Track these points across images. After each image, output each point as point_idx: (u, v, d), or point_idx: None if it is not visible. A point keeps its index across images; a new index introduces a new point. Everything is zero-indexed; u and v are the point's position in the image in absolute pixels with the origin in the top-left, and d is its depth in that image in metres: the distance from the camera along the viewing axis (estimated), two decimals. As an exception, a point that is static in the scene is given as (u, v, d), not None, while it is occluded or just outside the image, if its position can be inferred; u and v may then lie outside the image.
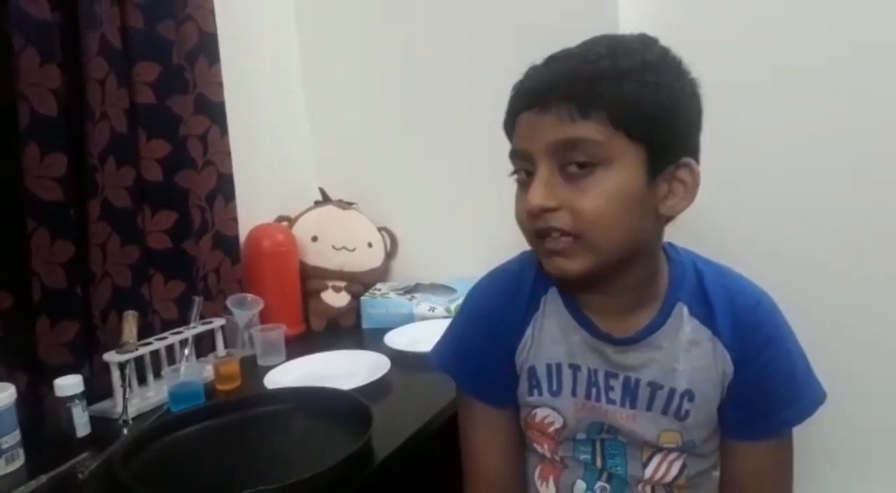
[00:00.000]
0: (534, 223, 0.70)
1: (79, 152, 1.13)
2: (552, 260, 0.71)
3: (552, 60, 0.72)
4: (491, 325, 0.83)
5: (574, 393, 0.80)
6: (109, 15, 1.18)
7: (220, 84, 1.42)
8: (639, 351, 0.77)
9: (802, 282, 1.21)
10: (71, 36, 1.12)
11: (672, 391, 0.76)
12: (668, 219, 0.74)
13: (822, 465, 1.22)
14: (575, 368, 0.80)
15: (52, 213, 1.07)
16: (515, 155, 0.73)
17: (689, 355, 0.75)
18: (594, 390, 0.79)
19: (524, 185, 0.72)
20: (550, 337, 0.81)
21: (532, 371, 0.82)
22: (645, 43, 0.71)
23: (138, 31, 1.23)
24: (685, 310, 0.76)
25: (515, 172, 0.74)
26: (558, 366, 0.80)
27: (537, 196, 0.68)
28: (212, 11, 1.39)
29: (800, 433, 0.79)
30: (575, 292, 0.79)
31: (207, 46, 1.38)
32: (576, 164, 0.68)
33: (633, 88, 0.66)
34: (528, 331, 0.82)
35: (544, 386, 0.81)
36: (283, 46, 1.73)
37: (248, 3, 1.59)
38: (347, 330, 1.59)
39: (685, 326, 0.76)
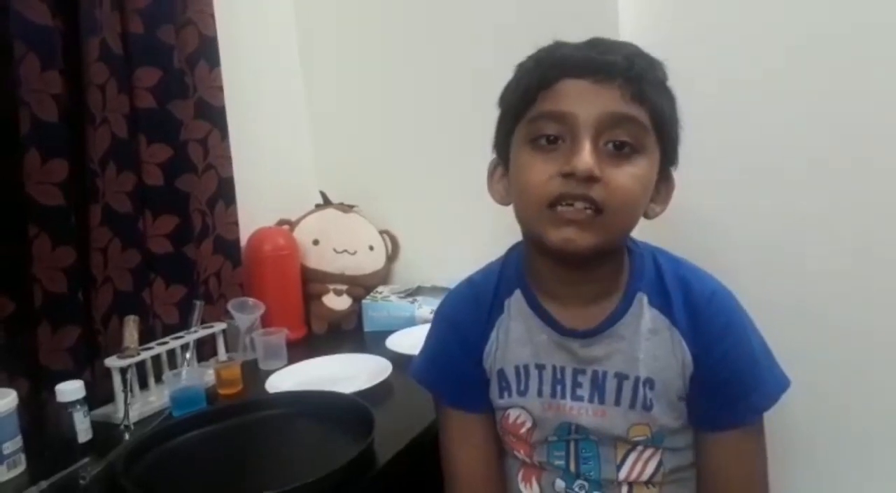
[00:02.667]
0: (566, 186, 0.69)
1: (80, 158, 1.13)
2: (564, 230, 0.70)
3: (597, 43, 0.73)
4: (458, 333, 0.86)
5: (540, 393, 0.81)
6: (110, 20, 1.18)
7: (221, 88, 1.42)
8: (603, 343, 0.78)
9: (794, 281, 1.21)
10: (71, 42, 1.12)
11: (636, 380, 0.77)
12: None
13: (803, 463, 1.22)
14: (540, 367, 0.81)
15: (53, 218, 1.07)
16: (552, 117, 0.71)
17: (649, 344, 0.77)
18: (559, 388, 0.80)
19: (545, 150, 0.71)
20: (516, 339, 0.82)
21: (501, 374, 0.83)
22: (663, 65, 0.75)
23: (139, 36, 1.24)
24: (645, 299, 0.78)
25: (538, 137, 0.72)
26: (525, 367, 0.82)
27: (591, 161, 0.68)
28: (212, 16, 1.39)
29: (780, 427, 0.79)
30: (556, 276, 0.79)
31: (208, 51, 1.39)
32: (618, 143, 0.70)
33: (667, 101, 0.73)
34: (493, 334, 0.84)
35: (513, 387, 0.83)
36: (283, 50, 1.73)
37: (249, 7, 1.59)
38: (349, 333, 1.59)
39: (645, 314, 0.78)
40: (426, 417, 1.02)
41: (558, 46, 0.75)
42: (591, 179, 0.68)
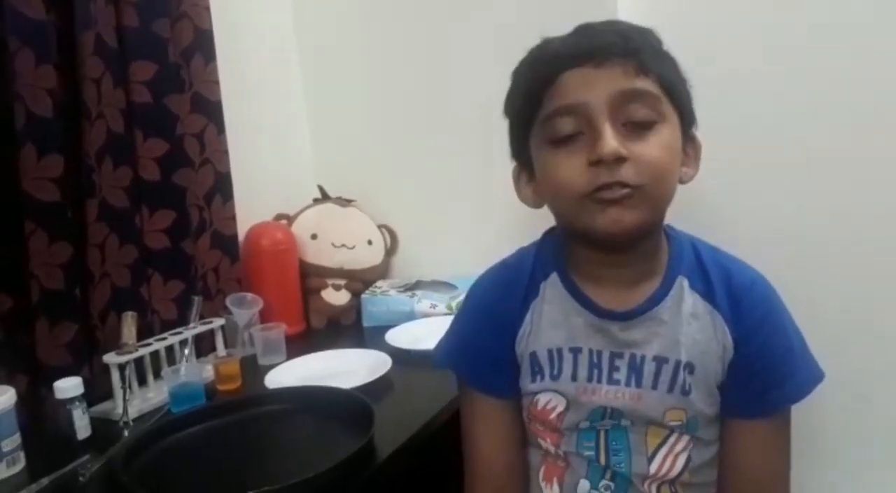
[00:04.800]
0: (598, 177, 0.69)
1: (75, 153, 1.12)
2: (609, 212, 0.70)
3: (585, 29, 0.74)
4: (491, 315, 0.85)
5: (574, 377, 0.80)
6: (104, 14, 1.17)
7: (217, 82, 1.41)
8: (642, 326, 0.78)
9: (806, 272, 1.20)
10: (66, 36, 1.11)
11: (677, 364, 0.77)
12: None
13: (823, 457, 1.22)
14: (575, 351, 0.80)
15: (49, 214, 1.07)
16: (564, 112, 0.71)
17: (690, 328, 0.77)
18: (595, 372, 0.79)
19: (567, 145, 0.72)
20: (551, 322, 0.82)
21: (534, 357, 0.82)
22: (655, 32, 0.76)
23: (133, 29, 1.23)
24: (686, 283, 0.78)
25: (556, 137, 0.72)
26: (559, 351, 0.81)
27: (614, 143, 0.68)
28: (207, 9, 1.38)
29: (800, 425, 0.79)
30: (596, 260, 0.79)
31: (203, 44, 1.38)
32: (636, 120, 0.70)
33: (668, 64, 0.74)
34: (528, 317, 0.83)
35: (546, 371, 0.82)
36: (280, 43, 1.72)
37: (245, 0, 1.58)
38: (348, 328, 1.58)
39: (686, 299, 0.78)
40: (426, 412, 1.02)
41: (547, 43, 0.76)
42: (619, 160, 0.68)
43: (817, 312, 1.13)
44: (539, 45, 0.76)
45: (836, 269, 1.20)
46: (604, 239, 0.74)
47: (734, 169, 1.22)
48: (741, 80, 1.22)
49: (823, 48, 1.17)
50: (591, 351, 0.80)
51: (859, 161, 1.16)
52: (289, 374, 1.23)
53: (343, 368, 1.22)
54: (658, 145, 0.70)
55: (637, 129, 0.70)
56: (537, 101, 0.73)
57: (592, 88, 0.70)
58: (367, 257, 1.64)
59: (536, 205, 0.82)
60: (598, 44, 0.70)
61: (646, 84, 0.70)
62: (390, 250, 1.70)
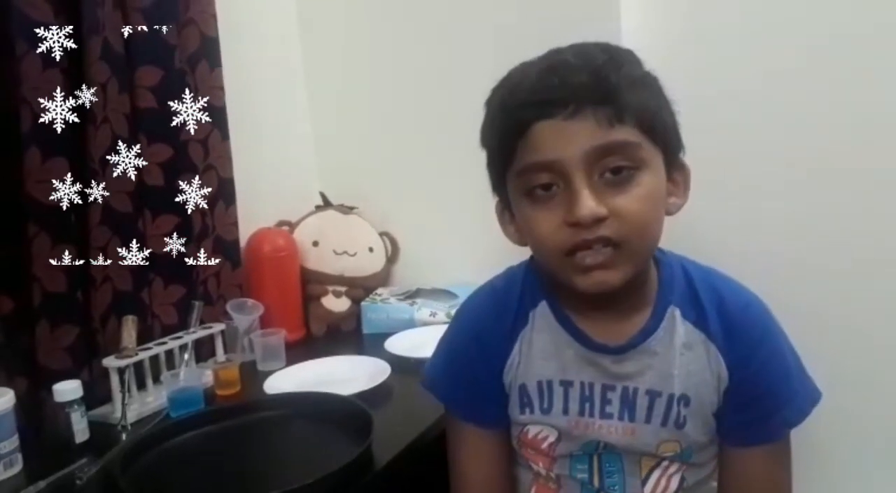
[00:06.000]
0: (577, 236, 0.66)
1: (80, 157, 1.13)
2: (591, 275, 0.68)
3: (556, 62, 0.69)
4: (479, 343, 0.81)
5: (566, 411, 0.78)
6: (111, 19, 1.18)
7: (222, 88, 1.42)
8: (635, 358, 0.75)
9: (796, 283, 1.21)
10: (73, 40, 1.12)
11: (670, 397, 0.75)
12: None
13: (819, 468, 1.22)
14: (567, 384, 0.78)
15: (52, 217, 1.07)
16: (538, 168, 0.68)
17: (684, 359, 0.75)
18: (587, 406, 0.77)
19: (543, 200, 0.68)
20: (541, 353, 0.79)
21: (523, 389, 0.79)
22: (632, 54, 0.71)
23: (140, 35, 1.23)
24: (678, 313, 0.75)
25: (531, 189, 0.69)
26: (549, 383, 0.78)
27: (591, 205, 0.64)
28: (213, 15, 1.39)
29: (797, 434, 0.79)
30: (586, 302, 0.76)
31: (209, 51, 1.38)
32: (615, 169, 0.66)
33: (649, 94, 0.69)
34: (516, 347, 0.80)
35: (536, 404, 0.79)
36: (284, 51, 1.73)
37: (251, 7, 1.59)
38: (348, 335, 1.58)
39: (679, 329, 0.75)
40: (425, 419, 1.02)
41: (520, 77, 0.71)
42: (598, 220, 0.65)
43: (815, 316, 1.15)
44: (510, 78, 0.73)
45: (832, 275, 1.21)
46: (588, 296, 0.71)
47: (724, 185, 1.22)
48: (729, 95, 1.23)
49: (817, 63, 1.18)
50: (582, 384, 0.77)
51: (853, 173, 1.17)
52: (288, 380, 1.23)
53: (342, 374, 1.23)
54: (638, 197, 0.66)
55: (616, 180, 0.66)
56: (510, 148, 0.70)
57: (566, 142, 0.65)
58: (368, 264, 1.64)
59: (521, 243, 0.78)
60: (570, 88, 0.65)
61: (622, 133, 0.65)
62: (391, 258, 1.70)
